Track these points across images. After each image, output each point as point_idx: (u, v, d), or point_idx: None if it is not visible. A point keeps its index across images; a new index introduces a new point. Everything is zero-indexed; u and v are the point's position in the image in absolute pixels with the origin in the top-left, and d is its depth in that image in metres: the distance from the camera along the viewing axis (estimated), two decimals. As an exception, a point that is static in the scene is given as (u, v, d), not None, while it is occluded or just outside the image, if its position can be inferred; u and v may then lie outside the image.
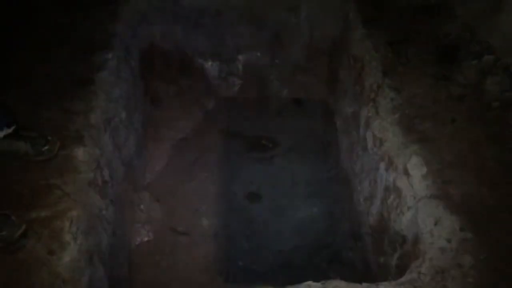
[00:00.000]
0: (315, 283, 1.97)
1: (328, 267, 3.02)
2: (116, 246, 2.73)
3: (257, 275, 3.02)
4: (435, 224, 2.09)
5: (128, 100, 3.33)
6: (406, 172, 2.36)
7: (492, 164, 2.30)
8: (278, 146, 3.83)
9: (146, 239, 3.20)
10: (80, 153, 2.48)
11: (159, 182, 3.52)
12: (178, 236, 3.25)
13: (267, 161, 3.71)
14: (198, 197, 3.47)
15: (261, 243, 3.18)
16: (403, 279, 1.93)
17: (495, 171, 2.27)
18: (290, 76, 4.13)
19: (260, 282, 2.98)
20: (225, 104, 4.15)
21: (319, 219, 3.30)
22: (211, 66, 4.11)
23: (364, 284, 1.94)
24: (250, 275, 3.02)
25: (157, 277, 3.02)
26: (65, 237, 2.04)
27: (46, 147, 2.39)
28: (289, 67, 4.08)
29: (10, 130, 2.33)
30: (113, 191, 2.84)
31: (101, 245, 2.41)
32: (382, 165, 2.60)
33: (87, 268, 2.13)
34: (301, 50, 3.96)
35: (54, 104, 2.68)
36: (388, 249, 2.54)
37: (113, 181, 2.86)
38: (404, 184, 2.35)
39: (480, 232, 2.02)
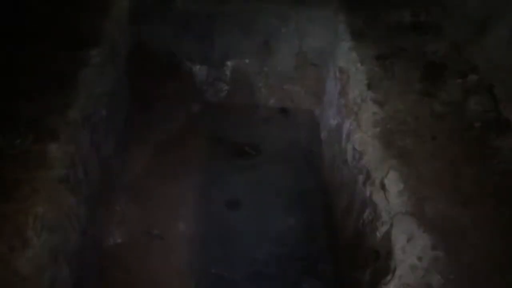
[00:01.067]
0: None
1: (301, 279, 2.97)
2: (86, 247, 2.68)
3: (229, 283, 2.97)
4: (408, 241, 2.06)
5: (111, 98, 3.29)
6: (383, 187, 2.34)
7: (468, 184, 2.28)
8: (262, 154, 3.80)
9: (119, 240, 3.14)
10: (53, 148, 2.43)
11: (137, 183, 3.47)
12: (152, 239, 3.19)
13: (250, 169, 3.67)
14: (176, 201, 3.42)
15: (235, 250, 3.13)
16: (371, 296, 1.90)
17: (470, 191, 2.25)
18: (278, 84, 4.12)
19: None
20: (211, 109, 4.12)
21: (297, 230, 3.25)
22: (199, 70, 4.09)
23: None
24: (222, 282, 2.97)
25: (127, 281, 2.96)
26: (28, 233, 1.98)
27: (18, 140, 2.35)
28: (277, 76, 4.07)
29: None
30: (88, 190, 2.79)
31: (68, 245, 2.35)
32: (360, 178, 2.58)
33: (49, 267, 2.08)
34: (290, 60, 3.94)
35: (32, 97, 2.64)
36: (361, 264, 2.50)
37: (88, 179, 2.81)
38: (380, 199, 2.32)
39: (451, 251, 1.99)
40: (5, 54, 2.85)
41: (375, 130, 2.64)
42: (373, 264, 2.34)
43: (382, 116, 2.71)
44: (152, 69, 3.99)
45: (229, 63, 4.08)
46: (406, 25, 3.35)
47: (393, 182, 2.32)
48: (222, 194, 3.48)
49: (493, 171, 2.35)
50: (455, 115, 2.65)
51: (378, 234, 2.27)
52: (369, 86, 2.90)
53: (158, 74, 4.01)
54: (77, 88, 2.80)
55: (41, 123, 2.48)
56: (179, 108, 4.05)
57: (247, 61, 4.05)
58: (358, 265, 2.55)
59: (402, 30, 3.30)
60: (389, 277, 1.96)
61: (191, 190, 3.49)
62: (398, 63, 3.04)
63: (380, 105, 2.77)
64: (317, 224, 3.26)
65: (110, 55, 3.32)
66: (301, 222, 3.30)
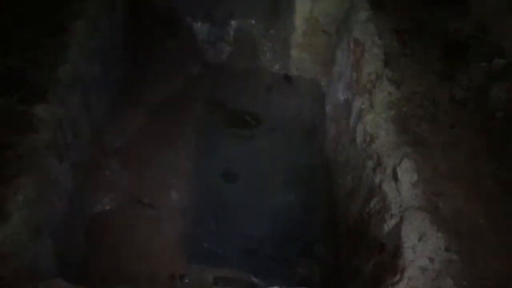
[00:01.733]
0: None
1: (296, 260, 2.86)
2: (72, 216, 2.51)
3: (221, 259, 2.85)
4: (419, 239, 1.92)
5: (105, 55, 3.05)
6: (395, 176, 2.17)
7: (488, 180, 2.12)
8: (262, 124, 3.60)
9: (108, 207, 2.97)
10: (40, 110, 2.22)
11: (130, 148, 3.26)
12: (143, 208, 3.03)
13: (248, 139, 3.49)
14: (170, 169, 3.24)
15: (230, 226, 3.00)
16: (377, 296, 1.77)
17: (490, 188, 2.10)
18: (284, 50, 3.86)
19: (223, 266, 2.84)
20: (211, 72, 3.88)
21: (295, 208, 3.12)
22: (200, 28, 3.81)
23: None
24: (214, 258, 2.85)
25: (115, 250, 2.81)
26: (8, 207, 1.80)
27: (0, 100, 2.13)
28: (284, 40, 3.81)
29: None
30: (76, 155, 2.60)
31: (53, 216, 2.18)
32: (369, 163, 2.41)
33: (31, 243, 1.92)
34: (299, 24, 3.67)
35: (18, 52, 2.39)
36: (364, 253, 2.38)
37: (77, 143, 2.62)
38: (391, 189, 2.16)
39: (466, 255, 1.85)
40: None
41: (389, 113, 2.45)
42: (377, 256, 2.21)
43: (398, 97, 2.51)
44: (151, 25, 3.70)
45: (233, 22, 3.80)
46: (429, -3, 3.09)
47: (407, 172, 2.16)
48: (219, 164, 3.31)
49: (515, 167, 2.19)
50: (477, 102, 2.46)
51: (386, 227, 2.12)
52: (386, 63, 2.68)
53: (157, 30, 3.73)
54: (69, 43, 2.56)
55: (28, 81, 2.25)
56: (177, 69, 3.80)
57: (253, 21, 3.78)
58: (360, 254, 2.43)
59: (425, 3, 3.04)
60: (397, 278, 1.83)
61: (186, 159, 3.30)
62: (418, 39, 2.80)
63: (396, 85, 2.57)
64: (317, 203, 3.12)
65: (105, 8, 3.05)
66: (300, 200, 3.15)
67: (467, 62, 2.63)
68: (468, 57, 2.65)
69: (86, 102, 2.77)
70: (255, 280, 2.79)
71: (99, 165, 3.03)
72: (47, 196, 2.11)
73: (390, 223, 2.09)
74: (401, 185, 2.13)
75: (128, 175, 3.15)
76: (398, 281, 1.80)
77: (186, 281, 2.73)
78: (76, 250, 2.57)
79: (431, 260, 1.84)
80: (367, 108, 2.57)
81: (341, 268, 2.67)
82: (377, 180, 2.28)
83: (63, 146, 2.40)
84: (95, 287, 2.53)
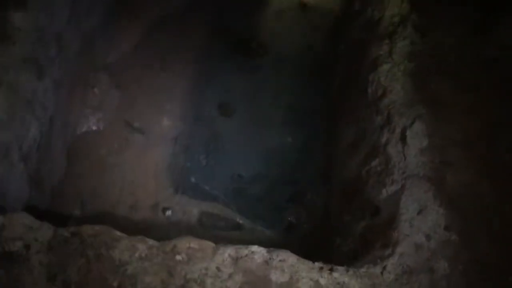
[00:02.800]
0: (260, 248, 1.66)
1: (286, 206, 2.74)
2: (52, 135, 2.35)
3: (208, 196, 2.73)
4: (418, 213, 1.76)
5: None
6: (403, 139, 1.98)
7: (505, 155, 1.92)
8: (268, 54, 3.31)
9: (94, 128, 2.81)
10: (18, 18, 1.96)
11: (122, 66, 3.03)
12: (132, 133, 2.87)
13: (252, 70, 3.22)
14: (164, 93, 3.03)
15: (221, 162, 2.84)
16: (363, 269, 1.64)
17: (504, 164, 1.89)
18: (303, -29, 3.47)
19: (209, 204, 2.74)
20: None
21: (292, 151, 2.94)
22: None
23: (317, 264, 1.64)
24: (201, 194, 2.73)
25: (98, 175, 2.69)
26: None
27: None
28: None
29: None
30: (60, 70, 2.37)
31: (26, 138, 2.01)
32: (378, 119, 2.19)
33: (-3, 167, 1.76)
34: None
35: None
36: (356, 212, 2.24)
37: (62, 56, 2.38)
38: (397, 153, 1.97)
39: (466, 235, 1.70)
40: None
41: (409, 65, 2.20)
42: (370, 219, 2.07)
43: (421, 49, 2.24)
44: None
45: None
46: None
47: (416, 136, 1.96)
48: (216, 94, 3.08)
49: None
50: (508, 64, 2.18)
51: (384, 192, 1.96)
52: (413, 6, 2.36)
53: None
54: None
55: (3, -18, 1.96)
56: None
57: None
58: (352, 211, 2.30)
59: None
60: (388, 252, 1.69)
61: (182, 84, 3.07)
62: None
63: (421, 33, 2.28)
64: (315, 149, 2.93)
65: None
66: (297, 143, 2.97)
67: (506, 15, 2.31)
68: (509, 9, 2.32)
69: (74, 11, 2.48)
70: (240, 220, 2.71)
71: (87, 81, 2.82)
72: (21, 117, 1.92)
73: (390, 189, 1.92)
74: (408, 149, 1.94)
75: (119, 95, 2.95)
76: (388, 256, 1.67)
77: (169, 213, 2.63)
78: (54, 173, 2.44)
79: (428, 237, 1.70)
80: (385, 56, 2.30)
81: (331, 221, 2.55)
82: (383, 139, 2.08)
83: (45, 60, 2.17)
84: (70, 214, 2.45)
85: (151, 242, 1.59)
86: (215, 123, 2.97)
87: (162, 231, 2.61)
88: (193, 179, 2.76)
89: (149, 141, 2.87)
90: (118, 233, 1.60)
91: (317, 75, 3.19)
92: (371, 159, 2.15)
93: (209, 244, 1.64)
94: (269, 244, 2.64)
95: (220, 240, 2.64)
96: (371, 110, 2.29)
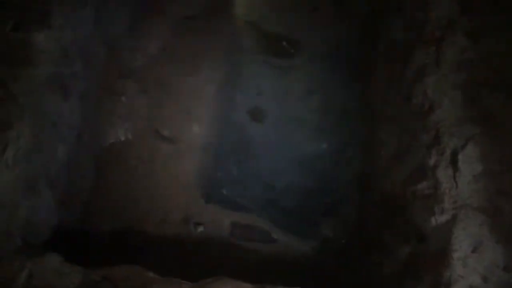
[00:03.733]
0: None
1: (320, 218, 2.62)
2: (80, 152, 2.28)
3: (240, 208, 2.63)
4: (473, 250, 1.61)
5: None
6: (455, 163, 1.81)
7: None
8: (301, 53, 3.13)
9: (122, 138, 2.73)
10: (41, 38, 1.86)
11: (150, 70, 2.92)
12: (161, 141, 2.78)
13: (284, 70, 3.06)
14: (193, 98, 2.91)
15: (253, 172, 2.73)
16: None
17: None
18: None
19: (242, 215, 2.65)
20: (248, -16, 3.33)
21: (327, 158, 2.80)
22: None
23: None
24: (233, 207, 2.63)
25: (128, 186, 2.63)
26: (-5, 166, 1.55)
27: (-9, 25, 1.77)
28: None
29: None
30: (87, 83, 2.28)
31: (54, 163, 1.94)
32: (424, 137, 2.02)
33: (26, 199, 1.69)
34: None
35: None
36: (399, 233, 2.10)
37: (88, 69, 2.29)
38: (447, 178, 1.81)
39: (527, 278, 1.55)
40: None
41: (459, 76, 2.00)
42: (416, 245, 1.94)
43: (472, 57, 2.03)
44: None
45: None
46: None
47: (469, 160, 1.79)
48: (247, 98, 2.94)
49: None
50: None
51: (433, 220, 1.81)
52: (464, 7, 2.14)
53: None
54: None
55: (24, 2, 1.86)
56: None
57: None
58: (394, 232, 2.17)
59: None
60: (439, 294, 1.56)
61: (212, 88, 2.94)
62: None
63: (473, 39, 2.07)
64: (352, 157, 2.78)
65: None
66: (333, 150, 2.82)
67: None
68: None
69: (99, 20, 2.37)
70: (274, 233, 2.61)
71: (113, 89, 2.73)
72: (47, 143, 1.84)
73: (440, 218, 1.78)
74: (460, 175, 1.77)
75: (147, 102, 2.85)
76: (439, 299, 1.54)
77: (201, 229, 2.55)
78: (83, 188, 2.38)
79: (485, 279, 1.55)
80: (432, 65, 2.11)
81: (368, 237, 2.42)
82: (431, 161, 1.92)
83: (70, 77, 2.08)
84: (101, 229, 2.39)
85: (184, 285, 1.51)
86: (246, 129, 2.85)
87: (194, 246, 2.54)
88: (224, 191, 2.67)
89: (179, 150, 2.78)
90: (150, 274, 1.52)
91: (355, 74, 3.00)
92: (417, 179, 2.00)
93: (246, 287, 1.54)
94: (304, 259, 2.58)
95: (253, 254, 2.61)
96: (417, 124, 2.11)
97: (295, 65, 3.09)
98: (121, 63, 2.76)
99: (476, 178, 1.75)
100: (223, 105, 2.90)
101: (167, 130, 2.81)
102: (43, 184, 1.83)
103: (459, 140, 1.84)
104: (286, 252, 2.58)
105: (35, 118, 1.76)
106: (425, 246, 1.86)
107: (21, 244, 1.62)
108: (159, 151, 2.75)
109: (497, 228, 1.64)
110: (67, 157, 2.07)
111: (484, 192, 1.72)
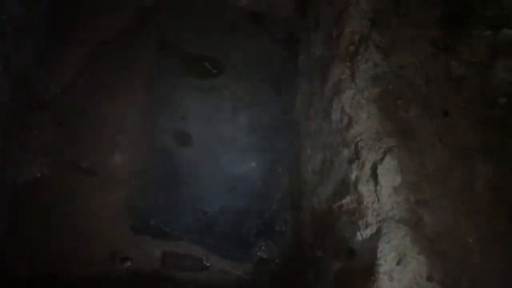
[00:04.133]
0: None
1: (255, 240, 2.58)
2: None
3: (171, 238, 2.53)
4: (398, 262, 1.63)
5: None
6: (375, 177, 1.83)
7: (482, 186, 1.80)
8: (224, 73, 3.10)
9: (38, 174, 2.54)
10: None
11: (65, 99, 2.75)
12: (82, 174, 2.62)
13: (207, 92, 3.01)
14: (114, 126, 2.78)
15: (182, 198, 2.65)
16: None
17: (483, 197, 1.78)
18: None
19: (173, 244, 2.55)
20: (166, 4, 3.25)
21: (257, 177, 2.77)
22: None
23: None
24: (162, 237, 2.53)
25: (47, 227, 2.44)
26: None
27: None
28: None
29: None
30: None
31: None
32: (345, 153, 2.04)
33: None
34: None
35: None
36: (330, 249, 2.11)
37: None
38: (369, 192, 1.84)
39: (451, 284, 1.58)
40: None
41: (374, 91, 2.05)
42: (345, 260, 1.94)
43: (385, 71, 2.09)
44: None
45: None
46: None
47: (389, 173, 1.82)
48: (171, 122, 2.85)
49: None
50: (476, 83, 2.06)
51: (359, 235, 1.83)
52: (374, 22, 2.21)
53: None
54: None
55: None
56: (126, -1, 3.16)
57: None
58: (325, 248, 2.16)
59: None
60: (368, 310, 1.56)
61: (133, 114, 2.83)
62: (414, -6, 2.31)
63: (384, 53, 2.13)
64: (281, 174, 2.77)
65: None
66: (263, 168, 2.80)
67: (470, 29, 2.19)
68: (471, 23, 2.20)
69: (1, 50, 2.20)
70: (207, 260, 2.53)
71: (25, 122, 2.54)
72: None
73: (365, 233, 1.79)
74: (381, 189, 1.80)
75: (63, 133, 2.68)
76: (370, 316, 1.53)
77: (128, 265, 2.42)
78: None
79: (410, 291, 1.56)
80: (347, 81, 2.15)
81: (303, 256, 2.41)
82: (352, 175, 1.94)
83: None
84: (19, 277, 2.20)
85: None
86: (172, 154, 2.76)
87: (123, 283, 2.40)
88: (152, 222, 2.55)
89: (101, 182, 2.63)
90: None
91: (279, 91, 3.01)
92: (342, 195, 2.02)
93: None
94: (238, 283, 2.51)
95: (186, 283, 2.51)
96: (338, 140, 2.14)
97: (219, 85, 3.05)
98: (31, 95, 2.58)
99: (397, 190, 1.78)
100: (146, 131, 2.79)
101: (87, 161, 2.65)
102: None
103: (378, 154, 1.87)
104: (220, 278, 2.51)
105: None
106: (355, 261, 1.86)
107: None
108: (80, 185, 2.59)
109: (419, 239, 1.67)
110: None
111: (405, 203, 1.75)
